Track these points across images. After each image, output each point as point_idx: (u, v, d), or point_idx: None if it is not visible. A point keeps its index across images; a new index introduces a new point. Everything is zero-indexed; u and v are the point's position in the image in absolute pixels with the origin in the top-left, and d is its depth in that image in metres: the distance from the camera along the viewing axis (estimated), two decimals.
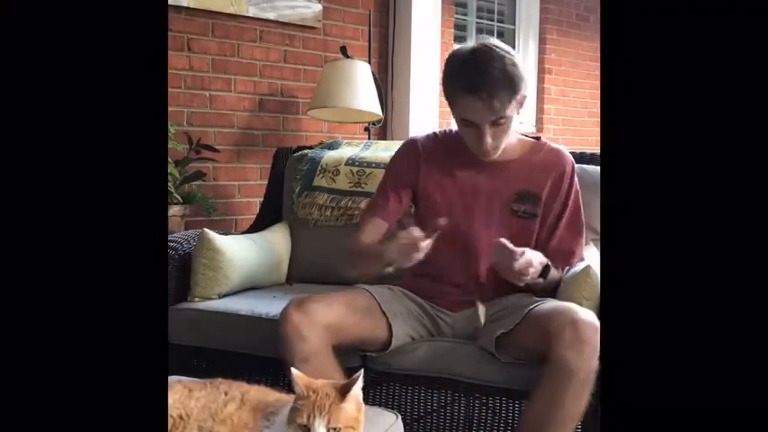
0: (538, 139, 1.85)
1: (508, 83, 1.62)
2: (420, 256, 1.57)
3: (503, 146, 1.72)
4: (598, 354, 1.47)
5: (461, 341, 1.73)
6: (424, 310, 1.79)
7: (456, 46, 1.77)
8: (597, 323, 1.49)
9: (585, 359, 1.46)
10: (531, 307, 1.61)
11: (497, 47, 1.67)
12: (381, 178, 1.90)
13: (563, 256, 1.79)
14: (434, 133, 1.88)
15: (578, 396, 1.49)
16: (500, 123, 1.66)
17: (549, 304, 1.60)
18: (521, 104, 1.69)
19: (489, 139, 1.68)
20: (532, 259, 1.61)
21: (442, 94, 1.73)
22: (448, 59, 1.71)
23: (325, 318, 1.60)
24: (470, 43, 1.71)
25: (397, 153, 1.88)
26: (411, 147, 1.85)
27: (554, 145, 1.84)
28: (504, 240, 1.61)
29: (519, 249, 1.60)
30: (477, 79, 1.62)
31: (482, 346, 1.68)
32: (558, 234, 1.79)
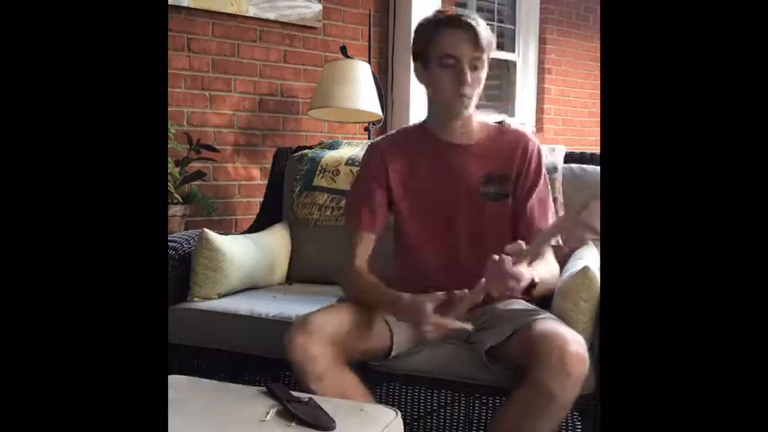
0: (500, 123, 1.85)
1: (485, 27, 1.68)
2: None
3: (474, 99, 1.71)
4: (581, 384, 1.47)
5: (461, 343, 1.72)
6: None
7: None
8: (585, 354, 1.48)
9: (566, 389, 1.45)
10: (523, 323, 1.58)
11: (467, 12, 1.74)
12: (352, 188, 1.88)
13: (532, 234, 1.78)
14: (392, 133, 1.89)
15: (553, 417, 1.50)
16: (476, 66, 1.67)
17: (542, 324, 1.56)
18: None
19: (468, 79, 1.67)
20: (522, 281, 1.56)
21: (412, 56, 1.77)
22: (421, 21, 1.76)
23: (331, 333, 1.57)
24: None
25: (362, 161, 1.87)
26: (374, 151, 1.84)
27: (517, 127, 1.84)
28: (498, 258, 1.52)
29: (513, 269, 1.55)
30: (459, 17, 1.68)
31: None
32: (527, 212, 1.77)
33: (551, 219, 1.81)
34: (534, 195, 1.78)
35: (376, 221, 1.79)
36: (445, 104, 1.72)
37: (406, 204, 1.79)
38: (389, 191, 1.80)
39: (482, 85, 1.72)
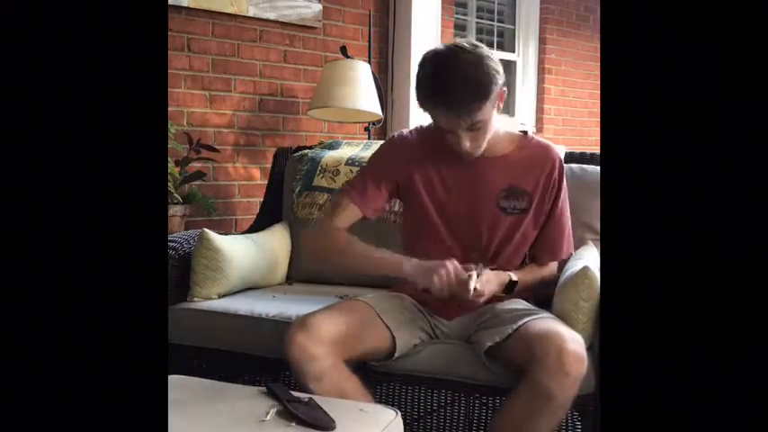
0: (525, 133, 1.83)
1: (474, 89, 1.57)
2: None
3: (485, 144, 1.69)
4: (579, 383, 1.47)
5: (461, 343, 1.73)
6: (422, 314, 1.78)
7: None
8: (584, 353, 1.48)
9: (565, 389, 1.45)
10: (522, 322, 1.58)
11: (462, 48, 1.60)
12: (365, 164, 1.87)
13: (550, 251, 1.82)
14: (421, 127, 1.84)
15: (552, 417, 1.50)
16: (476, 128, 1.63)
17: (540, 324, 1.57)
18: (500, 99, 1.65)
19: (468, 143, 1.66)
20: (485, 288, 1.63)
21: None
22: (418, 65, 1.66)
23: (331, 333, 1.57)
24: (440, 46, 1.66)
25: (383, 145, 1.85)
26: (399, 141, 1.82)
27: (541, 140, 1.83)
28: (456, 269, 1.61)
29: (474, 280, 1.60)
30: (440, 91, 1.58)
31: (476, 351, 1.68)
32: (546, 230, 1.80)
33: (568, 234, 1.83)
34: (554, 214, 1.80)
35: (369, 204, 1.77)
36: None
37: (422, 208, 1.78)
38: (402, 185, 1.79)
39: (491, 128, 1.67)
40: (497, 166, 1.76)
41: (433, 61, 1.62)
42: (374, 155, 1.87)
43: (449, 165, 1.76)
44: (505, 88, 1.66)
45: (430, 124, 1.84)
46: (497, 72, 1.60)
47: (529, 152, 1.78)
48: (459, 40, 1.65)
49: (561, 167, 1.80)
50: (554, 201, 1.79)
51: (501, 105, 1.68)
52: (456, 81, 1.57)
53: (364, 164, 2.33)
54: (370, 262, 1.74)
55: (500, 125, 1.77)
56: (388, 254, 1.72)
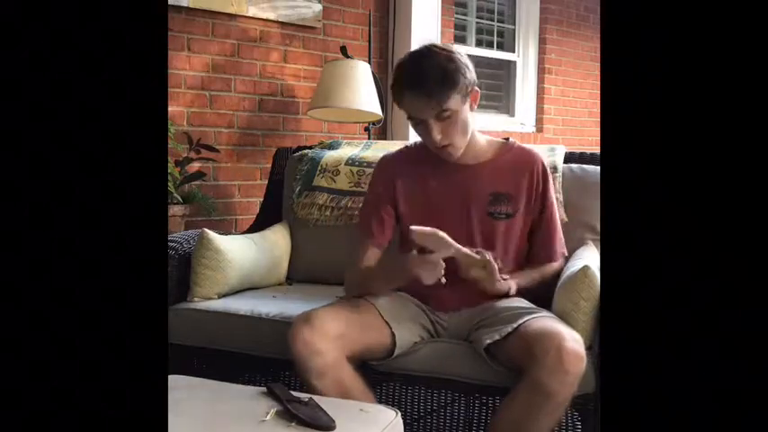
0: (506, 140, 1.89)
1: (443, 76, 1.66)
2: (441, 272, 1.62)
3: (460, 142, 1.74)
4: (578, 382, 1.48)
5: (460, 342, 1.73)
6: (423, 311, 1.79)
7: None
8: (582, 351, 1.49)
9: (564, 387, 1.47)
10: (521, 321, 1.60)
11: (435, 46, 1.73)
12: (365, 198, 1.95)
13: (546, 253, 1.85)
14: (406, 147, 1.94)
15: (552, 415, 1.51)
16: (445, 117, 1.69)
17: (539, 322, 1.58)
18: (474, 100, 1.73)
19: (438, 135, 1.71)
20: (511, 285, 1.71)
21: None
22: (395, 66, 1.78)
23: (335, 329, 1.59)
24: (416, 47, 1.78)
25: (372, 175, 1.94)
26: (383, 166, 1.91)
27: (523, 145, 1.89)
28: (489, 257, 1.66)
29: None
30: (413, 76, 1.68)
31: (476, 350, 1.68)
32: (540, 233, 1.84)
33: (558, 239, 1.87)
34: (545, 216, 1.83)
35: (384, 235, 1.84)
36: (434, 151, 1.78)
37: (414, 220, 1.80)
38: (396, 205, 1.84)
39: (464, 125, 1.73)
40: (481, 173, 1.80)
41: (408, 58, 1.74)
42: (369, 188, 1.95)
43: (435, 177, 1.82)
44: (477, 89, 1.74)
45: (412, 143, 1.94)
46: (467, 67, 1.70)
47: (510, 157, 1.83)
48: (434, 42, 1.79)
49: (545, 171, 1.84)
50: (543, 204, 1.83)
51: (475, 106, 1.75)
52: (426, 70, 1.67)
53: (367, 164, 2.35)
54: (384, 274, 1.79)
55: (483, 136, 1.85)
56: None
